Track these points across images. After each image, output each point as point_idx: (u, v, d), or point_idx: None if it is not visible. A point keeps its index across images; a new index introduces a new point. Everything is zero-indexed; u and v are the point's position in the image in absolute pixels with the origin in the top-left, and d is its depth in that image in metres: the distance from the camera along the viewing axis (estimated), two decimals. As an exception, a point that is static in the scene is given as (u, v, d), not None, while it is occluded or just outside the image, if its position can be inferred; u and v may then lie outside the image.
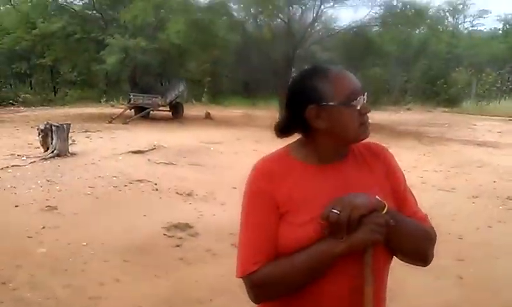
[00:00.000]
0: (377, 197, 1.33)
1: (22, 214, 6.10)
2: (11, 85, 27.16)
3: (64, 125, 9.32)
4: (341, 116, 1.36)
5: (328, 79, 1.37)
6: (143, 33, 17.50)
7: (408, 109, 26.83)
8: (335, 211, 1.27)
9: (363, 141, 1.48)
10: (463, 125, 19.03)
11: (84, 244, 5.15)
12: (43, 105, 23.51)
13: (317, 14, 18.89)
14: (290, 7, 18.29)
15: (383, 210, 1.31)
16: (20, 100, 24.63)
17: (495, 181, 8.57)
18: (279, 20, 18.60)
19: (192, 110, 20.33)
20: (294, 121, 1.44)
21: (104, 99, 25.12)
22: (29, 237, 5.31)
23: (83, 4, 19.97)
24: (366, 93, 1.40)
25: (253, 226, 1.39)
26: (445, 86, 28.74)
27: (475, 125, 19.03)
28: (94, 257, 4.83)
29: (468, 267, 4.88)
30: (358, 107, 1.36)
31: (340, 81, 1.38)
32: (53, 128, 9.13)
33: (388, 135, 15.27)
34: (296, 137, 1.49)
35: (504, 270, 4.76)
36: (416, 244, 1.45)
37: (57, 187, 7.26)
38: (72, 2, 19.26)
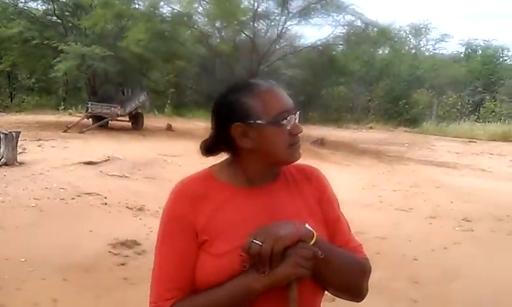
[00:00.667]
0: (306, 225, 1.22)
1: (-43, 227, 5.68)
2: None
3: (13, 133, 8.89)
4: (269, 136, 1.25)
5: (256, 96, 1.26)
6: (104, 41, 17.08)
7: (370, 128, 27.20)
8: (256, 242, 1.14)
9: (296, 163, 1.37)
10: (422, 145, 19.36)
11: (23, 260, 4.80)
12: (-2, 111, 22.64)
13: (281, 31, 18.96)
14: (256, 23, 18.29)
15: (312, 240, 1.19)
16: (-26, 105, 23.70)
17: (452, 202, 8.63)
18: (244, 35, 18.57)
19: (154, 121, 19.92)
20: (220, 139, 1.32)
21: (62, 107, 24.40)
22: (-38, 253, 4.93)
23: (44, 9, 19.42)
24: (298, 112, 1.29)
25: (168, 255, 1.25)
26: (406, 106, 29.37)
27: (434, 145, 19.40)
28: (32, 275, 4.50)
29: (422, 289, 4.78)
30: (289, 127, 1.25)
31: (269, 98, 1.26)
32: (1, 136, 8.67)
33: (350, 152, 15.40)
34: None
35: (459, 292, 4.70)
36: (348, 278, 1.31)
37: (0, 198, 6.85)
38: (32, 7, 18.67)
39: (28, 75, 25.05)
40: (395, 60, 30.50)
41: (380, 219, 7.30)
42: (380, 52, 27.79)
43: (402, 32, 33.01)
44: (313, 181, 1.38)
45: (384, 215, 7.57)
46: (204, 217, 1.24)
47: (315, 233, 1.20)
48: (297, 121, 1.28)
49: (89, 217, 6.42)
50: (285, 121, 1.24)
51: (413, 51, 35.39)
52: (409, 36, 35.78)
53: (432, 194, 9.37)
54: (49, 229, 5.75)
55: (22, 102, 25.55)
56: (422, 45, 37.26)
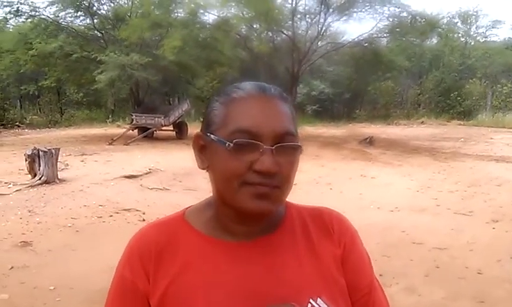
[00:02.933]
0: (315, 303, 0.88)
1: (-8, 251, 5.55)
2: (21, 106, 27.03)
3: (53, 150, 8.81)
4: (216, 160, 0.90)
5: (227, 102, 0.92)
6: (143, 51, 17.13)
7: (422, 123, 26.18)
8: None
9: (311, 206, 1.02)
10: (479, 138, 18.28)
11: (52, 288, 4.57)
12: (48, 127, 23.29)
13: (322, 28, 18.43)
14: (295, 22, 17.87)
15: None
16: (27, 121, 24.49)
17: (516, 202, 7.84)
18: (283, 35, 18.19)
19: (199, 129, 19.82)
20: None
21: (110, 119, 24.84)
22: (-7, 280, 4.76)
23: (86, 24, 19.75)
24: (279, 144, 0.87)
25: None
26: (459, 98, 28.11)
27: (492, 138, 18.28)
28: (58, 305, 4.25)
29: (489, 310, 4.19)
30: (247, 157, 0.86)
31: (237, 108, 0.90)
32: (40, 153, 8.62)
33: (401, 151, 14.68)
34: None
35: (534, 313, 4.08)
36: None
37: (37, 219, 6.71)
38: (72, 22, 19.00)
39: (76, 90, 25.63)
40: (444, 50, 29.29)
41: (437, 225, 6.67)
42: (428, 42, 26.67)
43: (451, 20, 31.62)
44: (335, 233, 0.97)
45: (441, 220, 6.93)
46: (163, 286, 0.90)
47: None
48: (273, 154, 0.85)
49: (125, 236, 6.00)
50: (229, 145, 0.85)
51: (463, 40, 33.83)
52: (459, 24, 34.20)
53: (493, 193, 8.58)
54: (82, 252, 5.53)
55: (72, 117, 26.18)
56: (472, 33, 35.55)
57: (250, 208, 0.86)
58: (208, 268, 0.90)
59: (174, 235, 0.94)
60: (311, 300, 0.87)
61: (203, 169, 0.93)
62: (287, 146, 0.87)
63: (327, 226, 0.98)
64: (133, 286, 0.91)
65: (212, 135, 0.89)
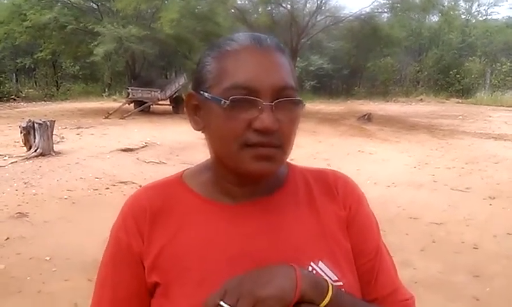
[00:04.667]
0: (314, 270, 0.83)
1: (-12, 222, 5.53)
2: (17, 80, 26.81)
3: (48, 122, 8.72)
4: (212, 120, 0.83)
5: (220, 56, 0.84)
6: (139, 23, 16.90)
7: (420, 100, 26.13)
8: (224, 305, 0.73)
9: (314, 167, 0.97)
10: (477, 116, 18.26)
11: (48, 258, 4.57)
12: (44, 101, 23.14)
13: (321, 1, 18.18)
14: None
15: (324, 298, 0.76)
16: (23, 95, 24.30)
17: (513, 179, 7.84)
18: (282, 8, 17.96)
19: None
20: None
21: (107, 93, 24.67)
22: (-11, 250, 4.75)
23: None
24: (279, 99, 0.80)
25: (103, 297, 0.91)
26: (458, 76, 28.00)
27: (490, 116, 18.27)
28: (54, 275, 4.24)
29: (485, 284, 4.19)
30: (245, 115, 0.80)
31: (231, 62, 0.82)
32: (35, 125, 8.53)
33: (399, 128, 14.67)
34: None
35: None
36: None
37: (33, 191, 6.69)
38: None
39: (72, 63, 25.38)
40: (444, 27, 28.99)
41: (434, 200, 6.67)
42: (428, 20, 26.44)
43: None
44: (340, 194, 0.92)
45: (438, 196, 6.93)
46: (157, 247, 0.86)
47: (330, 284, 0.79)
48: (272, 110, 0.80)
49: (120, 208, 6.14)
50: (225, 102, 0.79)
51: (464, 17, 33.51)
52: (460, 1, 33.83)
53: (491, 170, 8.58)
54: (79, 224, 5.51)
55: (68, 90, 25.99)
56: (473, 11, 35.19)
57: (251, 170, 0.81)
58: (205, 229, 0.86)
59: (170, 196, 0.91)
60: (312, 264, 0.84)
61: (198, 130, 0.88)
62: (287, 101, 0.81)
63: (331, 188, 0.93)
64: (127, 247, 0.88)
65: (205, 93, 0.83)
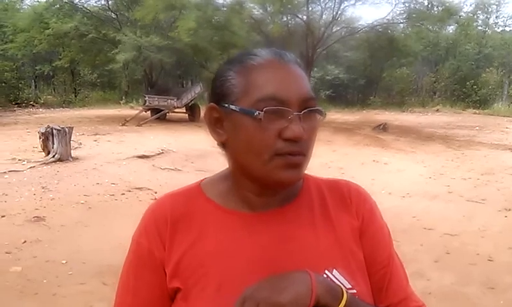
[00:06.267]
0: (329, 277, 0.85)
1: (6, 225, 5.64)
2: (36, 86, 27.26)
3: (66, 129, 8.87)
4: (241, 131, 0.85)
5: (244, 70, 0.87)
6: (157, 32, 17.12)
7: (437, 111, 25.90)
8: None
9: (327, 177, 1.00)
10: (494, 127, 18.05)
11: (64, 262, 4.64)
12: (62, 107, 23.46)
13: (337, 12, 18.23)
14: (309, 6, 17.70)
15: (339, 303, 0.79)
16: (41, 101, 24.68)
17: (530, 192, 7.75)
18: (298, 19, 18.05)
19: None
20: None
21: (124, 100, 24.94)
22: (7, 253, 4.85)
23: (100, 5, 19.77)
24: (307, 109, 0.85)
25: (126, 300, 0.94)
26: (475, 86, 27.72)
27: (507, 127, 18.05)
28: (70, 278, 4.31)
29: (499, 297, 4.15)
30: (276, 125, 0.83)
31: (258, 76, 0.85)
32: (54, 131, 8.69)
33: (415, 138, 14.59)
34: None
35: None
36: None
37: (51, 195, 6.80)
38: (86, 2, 19.05)
39: (90, 71, 25.74)
40: (461, 38, 28.81)
41: (449, 211, 6.63)
42: (444, 31, 26.27)
43: (469, 7, 31.07)
44: (353, 204, 0.95)
45: (453, 207, 6.88)
46: (178, 253, 0.90)
47: (344, 291, 0.81)
48: (300, 120, 0.83)
49: (136, 214, 6.07)
50: (259, 113, 0.81)
51: (481, 28, 33.25)
52: (478, 12, 33.56)
53: (507, 182, 8.49)
54: (95, 228, 5.59)
55: (86, 97, 26.33)
56: (491, 22, 34.90)
57: (282, 179, 0.84)
58: (224, 238, 0.89)
59: (190, 204, 0.94)
60: (326, 272, 0.87)
61: (221, 142, 0.91)
62: (311, 111, 0.85)
63: (345, 198, 0.96)
64: (149, 253, 0.91)
65: (232, 106, 0.85)
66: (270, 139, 0.82)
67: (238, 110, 0.84)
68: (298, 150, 0.83)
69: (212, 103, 0.90)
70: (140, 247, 0.93)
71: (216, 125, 0.90)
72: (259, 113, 0.81)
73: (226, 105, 0.86)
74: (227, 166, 0.95)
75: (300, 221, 0.91)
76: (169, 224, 0.91)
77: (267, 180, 0.86)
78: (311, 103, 0.86)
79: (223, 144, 0.91)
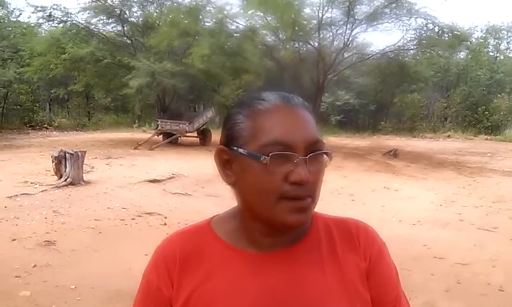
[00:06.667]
0: None
1: (16, 249, 5.67)
2: (50, 109, 27.67)
3: (79, 153, 8.99)
4: (248, 174, 0.88)
5: (252, 114, 0.90)
6: (171, 58, 17.39)
7: (448, 137, 25.78)
8: None
9: (336, 216, 1.01)
10: (506, 154, 17.89)
11: (73, 287, 4.64)
12: (76, 130, 23.74)
13: (348, 39, 18.40)
14: (321, 33, 17.88)
15: None
16: (56, 124, 25.03)
17: (543, 220, 7.65)
18: (309, 45, 18.22)
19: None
20: None
21: (137, 124, 25.20)
22: (16, 277, 4.86)
23: (116, 31, 20.15)
24: (312, 153, 0.87)
25: None
26: (486, 112, 27.63)
27: (520, 154, 17.86)
28: (79, 304, 4.31)
29: (511, 328, 4.10)
30: (282, 169, 0.85)
31: (265, 120, 0.88)
32: (67, 155, 8.80)
33: (426, 164, 14.51)
34: None
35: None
36: None
37: (62, 219, 6.84)
38: (102, 28, 19.44)
39: (104, 95, 26.12)
40: (472, 64, 28.81)
41: (460, 240, 6.56)
42: (455, 57, 26.33)
43: (480, 33, 31.13)
44: (361, 245, 0.96)
45: (465, 235, 6.80)
46: (186, 292, 0.91)
47: None
48: (306, 164, 0.85)
49: (146, 239, 6.20)
50: (265, 158, 0.84)
51: (492, 54, 33.26)
52: (489, 38, 33.61)
53: (519, 210, 8.40)
54: (104, 253, 5.60)
55: (99, 121, 26.65)
56: (503, 48, 34.90)
57: (288, 222, 0.86)
58: (232, 278, 0.91)
59: (199, 243, 0.96)
60: None
61: (229, 183, 0.93)
62: (318, 154, 0.88)
63: (353, 238, 0.97)
64: (158, 291, 0.94)
65: (240, 149, 0.88)
66: (276, 182, 0.84)
67: (246, 153, 0.86)
68: (305, 194, 0.86)
69: (222, 146, 0.92)
70: (149, 283, 0.96)
71: (225, 166, 0.92)
72: (265, 158, 0.84)
73: (235, 148, 0.89)
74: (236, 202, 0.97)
75: (308, 262, 0.92)
76: (178, 262, 0.94)
77: (274, 223, 0.87)
78: (317, 146, 0.88)
79: (232, 185, 0.93)
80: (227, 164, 0.92)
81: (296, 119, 0.88)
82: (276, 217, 0.86)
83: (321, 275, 0.91)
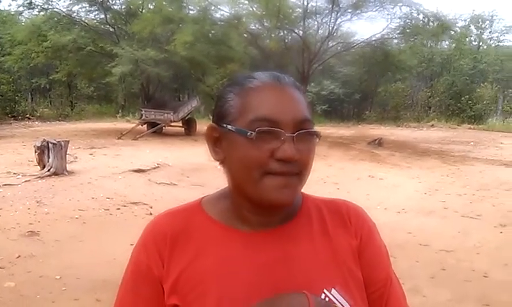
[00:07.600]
0: (327, 297, 0.86)
1: (0, 240, 5.59)
2: (32, 99, 27.25)
3: (62, 142, 8.86)
4: (235, 150, 0.88)
5: (242, 92, 0.90)
6: (154, 46, 17.21)
7: (431, 126, 26.00)
8: None
9: (327, 197, 1.01)
10: (489, 143, 18.13)
11: (58, 277, 4.60)
12: (59, 120, 23.44)
13: (333, 27, 18.38)
14: (306, 21, 17.84)
15: None
16: (38, 114, 24.66)
17: (525, 207, 7.77)
18: (294, 34, 18.18)
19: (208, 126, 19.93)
20: None
21: (120, 114, 24.96)
22: (0, 268, 4.81)
23: (98, 19, 19.88)
24: (300, 131, 0.86)
25: None
26: (469, 102, 27.89)
27: (502, 143, 18.13)
28: (64, 294, 4.27)
29: (494, 313, 4.15)
30: (268, 145, 0.85)
31: (254, 97, 0.88)
32: (50, 145, 8.67)
33: (410, 153, 14.63)
34: None
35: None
36: None
37: (46, 210, 6.77)
38: (84, 16, 19.17)
39: (86, 84, 25.79)
40: (456, 53, 29.05)
41: (445, 227, 6.64)
42: (439, 46, 26.53)
43: (464, 23, 31.37)
44: (352, 224, 0.96)
45: (449, 223, 6.89)
46: (176, 271, 0.90)
47: None
48: (294, 142, 0.85)
49: (131, 229, 6.13)
50: (252, 133, 0.84)
51: (475, 44, 33.58)
52: (472, 27, 33.91)
53: (502, 198, 8.51)
54: (89, 244, 5.55)
55: (82, 111, 26.34)
56: (486, 38, 35.22)
57: (272, 199, 0.85)
58: (223, 256, 0.90)
59: (190, 222, 0.94)
60: (325, 291, 0.87)
61: (218, 161, 0.92)
62: (307, 132, 0.87)
63: (344, 218, 0.97)
64: (148, 270, 0.91)
65: (229, 126, 0.87)
66: (262, 158, 0.84)
67: (234, 130, 0.86)
68: (291, 170, 0.85)
69: (212, 123, 0.92)
70: (139, 263, 0.93)
71: (215, 144, 0.92)
72: (251, 133, 0.83)
73: (224, 125, 0.88)
74: (226, 183, 0.96)
75: (299, 240, 0.92)
76: (169, 241, 0.92)
77: (260, 199, 0.86)
78: (306, 125, 0.87)
79: (222, 163, 0.92)
80: (217, 141, 0.91)
81: (285, 97, 0.87)
82: (261, 194, 0.85)
83: (313, 253, 0.91)
